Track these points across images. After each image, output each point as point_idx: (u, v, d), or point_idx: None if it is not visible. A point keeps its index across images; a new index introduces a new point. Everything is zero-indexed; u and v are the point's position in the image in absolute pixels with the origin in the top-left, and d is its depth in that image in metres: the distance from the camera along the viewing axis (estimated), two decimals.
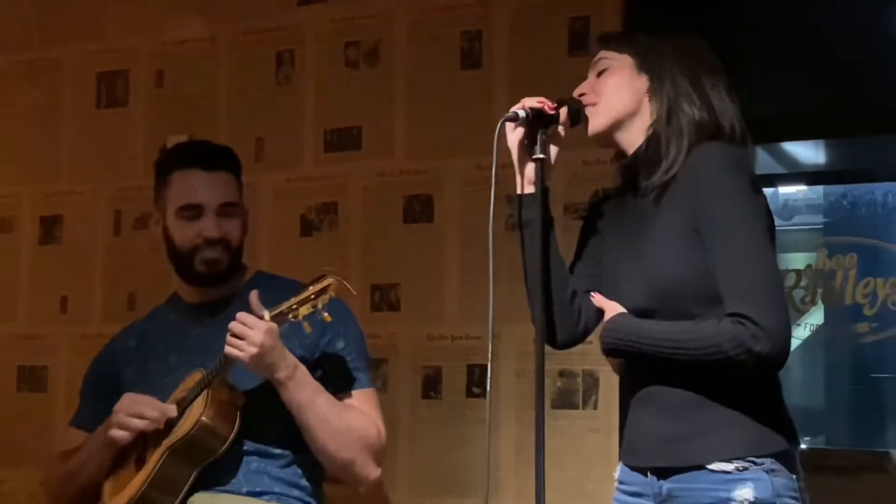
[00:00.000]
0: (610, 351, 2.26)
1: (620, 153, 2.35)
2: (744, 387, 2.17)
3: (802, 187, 3.36)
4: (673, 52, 2.28)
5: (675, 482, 2.19)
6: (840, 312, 3.10)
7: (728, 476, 2.13)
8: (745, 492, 2.12)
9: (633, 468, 2.28)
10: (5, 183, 3.98)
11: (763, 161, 3.22)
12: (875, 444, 3.09)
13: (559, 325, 2.26)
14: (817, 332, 3.15)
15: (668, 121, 2.25)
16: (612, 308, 2.26)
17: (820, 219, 3.31)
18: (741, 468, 2.13)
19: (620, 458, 2.35)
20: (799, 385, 3.36)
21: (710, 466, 2.14)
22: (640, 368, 2.25)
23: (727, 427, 2.17)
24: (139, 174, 3.59)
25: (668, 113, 2.26)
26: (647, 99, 2.29)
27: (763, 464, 2.13)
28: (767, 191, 3.22)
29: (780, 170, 3.26)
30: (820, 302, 3.09)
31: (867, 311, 3.03)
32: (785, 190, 3.37)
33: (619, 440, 2.34)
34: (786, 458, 2.15)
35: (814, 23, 3.12)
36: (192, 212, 2.78)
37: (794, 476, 2.15)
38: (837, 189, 3.25)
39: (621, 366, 2.32)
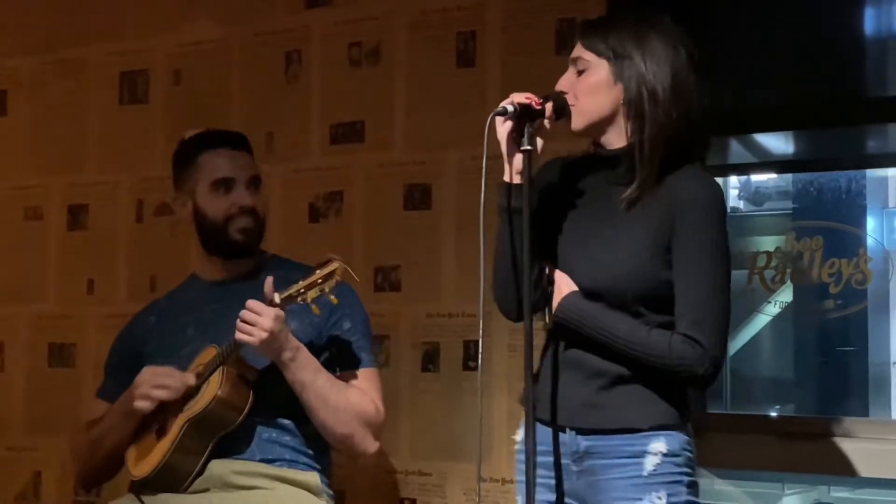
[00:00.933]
0: (558, 325, 2.27)
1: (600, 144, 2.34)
2: (659, 374, 2.24)
3: (773, 175, 3.36)
4: (650, 61, 2.25)
5: (593, 440, 2.25)
6: (807, 290, 3.09)
7: (643, 433, 2.21)
8: (659, 445, 2.21)
9: (547, 423, 2.28)
10: (35, 174, 3.98)
11: (736, 151, 3.22)
12: (839, 412, 3.09)
13: (518, 300, 2.25)
14: (786, 309, 3.14)
15: (640, 135, 2.23)
16: (567, 284, 2.27)
17: (789, 204, 3.31)
18: (657, 426, 2.22)
19: (533, 415, 2.26)
20: (770, 358, 3.36)
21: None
22: (571, 335, 2.27)
23: (646, 402, 2.24)
24: (159, 166, 3.55)
25: (639, 128, 2.25)
26: (622, 107, 2.27)
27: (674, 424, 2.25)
28: (741, 178, 3.32)
29: (752, 159, 3.25)
30: (789, 281, 3.07)
31: (832, 290, 3.01)
32: (756, 178, 3.37)
33: (527, 396, 2.24)
34: (686, 426, 2.25)
35: (785, 21, 3.09)
36: (225, 185, 2.82)
37: (690, 438, 2.24)
38: (805, 177, 3.24)
39: (548, 327, 2.33)
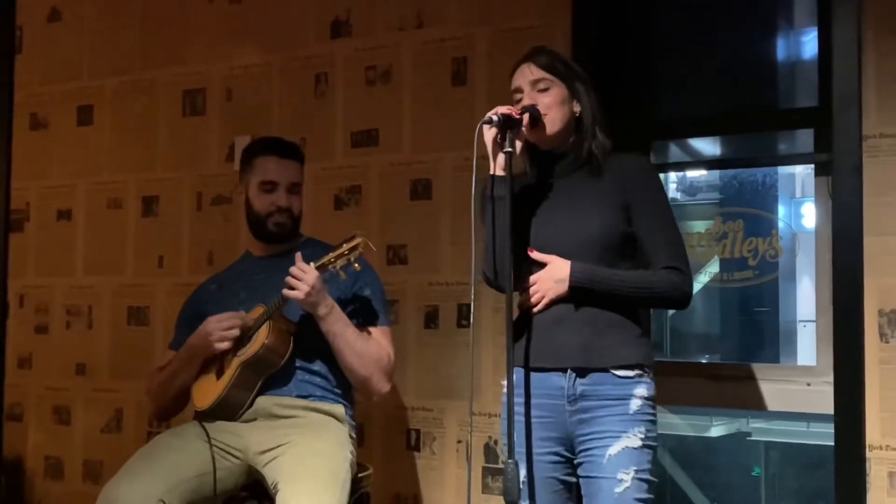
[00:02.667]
0: (574, 286, 2.28)
1: (549, 148, 2.42)
2: (637, 319, 2.34)
3: (703, 172, 3.37)
4: (588, 89, 2.41)
5: (587, 384, 2.30)
6: (731, 263, 3.09)
7: (629, 380, 2.29)
8: (641, 390, 2.30)
9: (549, 370, 2.32)
10: (116, 172, 4.01)
11: (674, 152, 3.26)
12: (756, 360, 3.13)
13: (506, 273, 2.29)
14: (714, 278, 3.14)
15: (592, 136, 2.37)
16: (554, 258, 2.32)
17: (717, 195, 3.32)
18: (638, 374, 2.28)
19: (521, 364, 2.34)
20: (702, 317, 3.33)
21: (616, 372, 2.27)
22: (575, 303, 2.30)
23: (631, 344, 2.33)
24: (214, 165, 3.70)
25: (590, 131, 2.39)
26: (573, 118, 2.40)
27: (649, 372, 2.30)
28: (678, 174, 3.43)
29: (687, 158, 3.30)
30: (716, 256, 3.09)
31: (751, 262, 3.05)
32: (691, 174, 3.40)
33: (511, 351, 2.27)
34: (653, 368, 2.36)
35: (713, 48, 3.13)
36: (269, 186, 2.88)
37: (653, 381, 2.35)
38: (729, 172, 3.27)
39: (523, 302, 2.35)
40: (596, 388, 2.30)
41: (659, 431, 3.03)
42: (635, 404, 2.28)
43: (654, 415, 2.32)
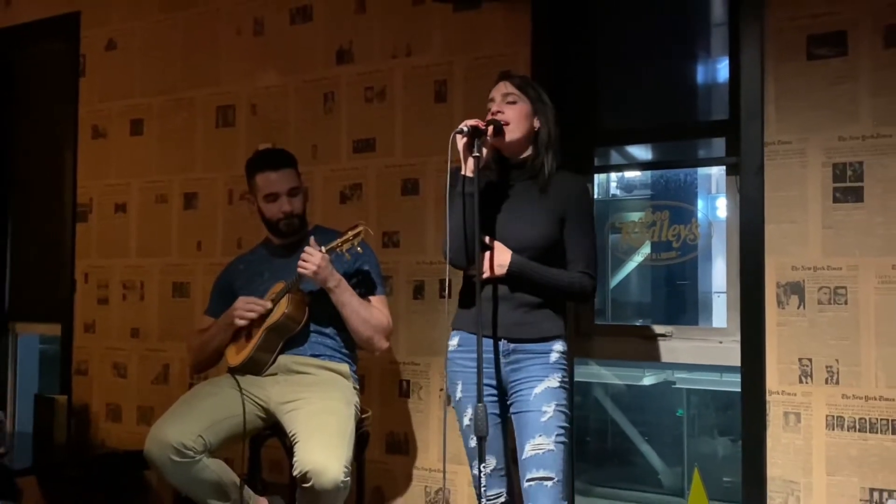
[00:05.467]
0: (511, 275, 2.32)
1: (507, 158, 2.41)
2: (556, 303, 2.36)
3: (638, 173, 3.37)
4: (549, 114, 2.40)
5: (518, 346, 2.36)
6: (659, 246, 3.11)
7: (549, 340, 2.36)
8: (558, 346, 2.37)
9: (487, 337, 2.32)
10: (162, 173, 4.00)
11: (614, 156, 3.25)
12: (679, 323, 3.14)
13: (468, 256, 2.31)
14: (646, 258, 3.14)
15: (546, 151, 2.37)
16: (504, 248, 2.33)
17: (648, 191, 3.32)
18: (555, 336, 2.33)
19: (466, 329, 2.37)
20: (636, 288, 3.34)
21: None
22: (507, 281, 2.33)
23: (551, 319, 2.38)
24: (242, 167, 3.38)
25: (546, 146, 2.38)
26: (532, 132, 2.39)
27: (563, 337, 2.37)
28: (617, 175, 3.40)
29: (624, 161, 3.29)
30: (648, 240, 3.11)
31: (675, 245, 3.06)
32: (628, 174, 3.39)
33: (463, 315, 2.36)
34: (567, 335, 2.40)
35: (645, 73, 3.11)
36: (273, 197, 2.85)
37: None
38: (658, 173, 3.27)
39: (480, 278, 2.30)
40: (524, 346, 2.36)
41: (600, 382, 3.14)
42: (553, 357, 2.34)
43: (566, 365, 2.38)
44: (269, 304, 2.79)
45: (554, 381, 2.33)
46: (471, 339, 2.32)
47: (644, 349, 3.00)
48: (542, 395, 2.31)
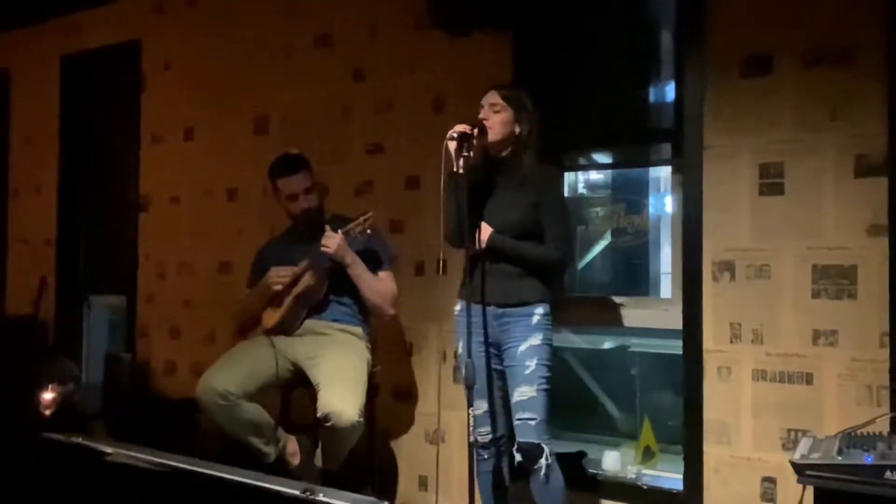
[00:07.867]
0: (490, 249, 2.35)
1: (492, 156, 2.41)
2: (539, 273, 2.35)
3: (600, 174, 3.35)
4: (530, 116, 2.39)
5: (505, 310, 2.37)
6: (617, 232, 3.11)
7: (532, 304, 2.37)
8: (540, 309, 2.38)
9: (480, 303, 2.36)
10: (209, 172, 3.94)
11: (581, 160, 3.24)
12: (634, 294, 3.12)
13: (462, 239, 2.31)
14: (608, 242, 3.17)
15: (525, 151, 2.37)
16: (487, 227, 2.37)
17: (609, 188, 3.33)
18: (538, 301, 2.32)
19: (466, 298, 2.38)
20: (599, 268, 3.33)
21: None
22: (495, 256, 2.36)
23: (531, 287, 2.38)
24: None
25: (525, 146, 2.38)
26: (515, 137, 2.39)
27: (544, 302, 2.34)
28: (584, 175, 3.33)
29: (588, 163, 3.27)
30: (609, 228, 3.12)
31: (630, 232, 3.08)
32: (593, 176, 3.37)
33: (464, 287, 2.37)
34: (548, 299, 2.39)
35: (607, 88, 3.06)
36: (293, 198, 2.85)
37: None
38: (616, 172, 3.26)
39: (472, 253, 2.33)
40: (510, 311, 2.38)
41: (569, 346, 3.07)
42: (535, 319, 2.34)
43: (549, 326, 2.37)
44: (297, 270, 2.78)
45: (536, 339, 2.33)
46: (476, 308, 2.37)
47: (605, 317, 2.98)
48: (525, 351, 2.32)
